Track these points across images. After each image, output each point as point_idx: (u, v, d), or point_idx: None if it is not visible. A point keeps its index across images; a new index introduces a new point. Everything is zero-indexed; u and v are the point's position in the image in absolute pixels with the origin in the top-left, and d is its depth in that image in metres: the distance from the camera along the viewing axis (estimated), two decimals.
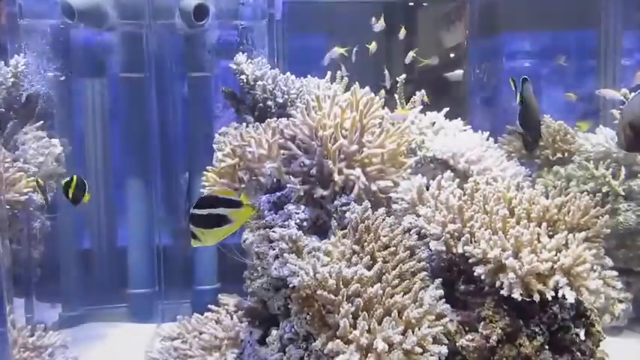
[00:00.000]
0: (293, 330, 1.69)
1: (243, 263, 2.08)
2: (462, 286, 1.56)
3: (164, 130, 3.52)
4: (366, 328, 1.32)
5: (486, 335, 1.40)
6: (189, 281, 3.56)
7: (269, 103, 2.27)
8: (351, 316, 1.35)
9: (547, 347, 1.43)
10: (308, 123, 1.73)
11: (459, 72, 3.60)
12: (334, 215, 1.75)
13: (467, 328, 1.45)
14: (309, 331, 1.62)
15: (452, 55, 3.83)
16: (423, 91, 2.21)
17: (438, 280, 1.48)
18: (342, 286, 1.40)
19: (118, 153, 3.60)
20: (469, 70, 3.65)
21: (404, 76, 2.26)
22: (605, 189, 2.41)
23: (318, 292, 1.41)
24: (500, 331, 1.41)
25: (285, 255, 1.49)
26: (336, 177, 1.67)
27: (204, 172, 2.06)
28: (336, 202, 1.75)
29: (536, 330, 1.43)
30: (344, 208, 1.70)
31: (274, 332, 1.77)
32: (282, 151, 1.84)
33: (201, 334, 1.73)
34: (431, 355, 1.34)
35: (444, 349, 1.35)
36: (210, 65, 2.98)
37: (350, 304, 1.36)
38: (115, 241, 3.93)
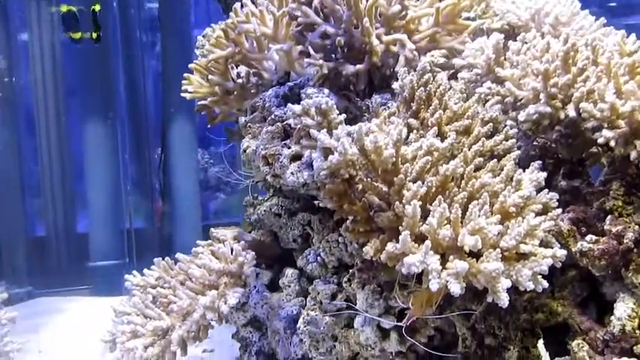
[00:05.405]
0: (318, 260, 1.30)
1: None
2: (562, 182, 1.18)
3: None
4: (446, 215, 0.93)
5: (617, 233, 1.02)
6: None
7: None
8: (419, 202, 0.96)
9: None
10: None
11: None
12: (367, 114, 1.37)
13: (583, 229, 1.07)
14: (341, 257, 1.24)
15: None
16: None
17: (538, 162, 1.09)
18: (400, 165, 1.00)
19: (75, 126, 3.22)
20: None
21: None
22: None
23: (365, 179, 1.02)
24: (636, 227, 1.02)
25: (313, 132, 1.10)
26: (375, 42, 1.28)
27: (185, 75, 1.66)
28: (367, 102, 1.37)
29: None
30: (382, 103, 1.33)
31: (289, 272, 1.39)
32: (292, 28, 1.45)
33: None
34: (543, 258, 0.95)
35: (561, 252, 0.96)
36: None
37: (420, 184, 0.96)
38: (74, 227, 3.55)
